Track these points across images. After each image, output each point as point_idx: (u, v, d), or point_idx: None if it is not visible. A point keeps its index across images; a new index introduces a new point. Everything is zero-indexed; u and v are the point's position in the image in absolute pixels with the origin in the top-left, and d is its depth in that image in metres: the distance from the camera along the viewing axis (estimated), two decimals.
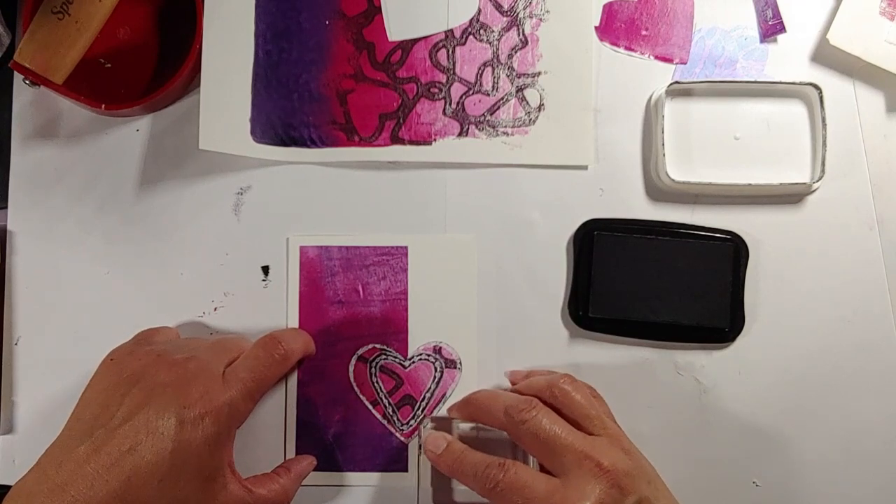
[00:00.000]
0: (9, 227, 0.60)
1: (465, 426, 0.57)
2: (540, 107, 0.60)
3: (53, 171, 0.61)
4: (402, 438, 0.58)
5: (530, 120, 0.60)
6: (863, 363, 0.58)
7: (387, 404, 0.59)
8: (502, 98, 0.60)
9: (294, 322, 0.59)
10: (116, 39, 0.61)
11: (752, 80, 0.60)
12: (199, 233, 0.60)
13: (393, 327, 0.59)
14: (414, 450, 0.58)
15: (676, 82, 0.59)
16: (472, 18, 0.61)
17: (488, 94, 0.60)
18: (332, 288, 0.59)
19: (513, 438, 0.51)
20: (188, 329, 0.59)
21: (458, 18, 0.61)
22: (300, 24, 0.61)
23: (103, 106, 0.58)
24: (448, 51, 0.61)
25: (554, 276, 0.60)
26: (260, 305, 0.60)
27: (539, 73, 0.60)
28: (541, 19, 0.61)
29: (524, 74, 0.61)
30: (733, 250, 0.58)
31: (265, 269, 0.60)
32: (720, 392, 0.59)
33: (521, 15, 0.61)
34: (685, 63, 0.61)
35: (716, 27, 0.61)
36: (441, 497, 0.57)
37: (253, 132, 0.60)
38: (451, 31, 0.61)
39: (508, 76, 0.61)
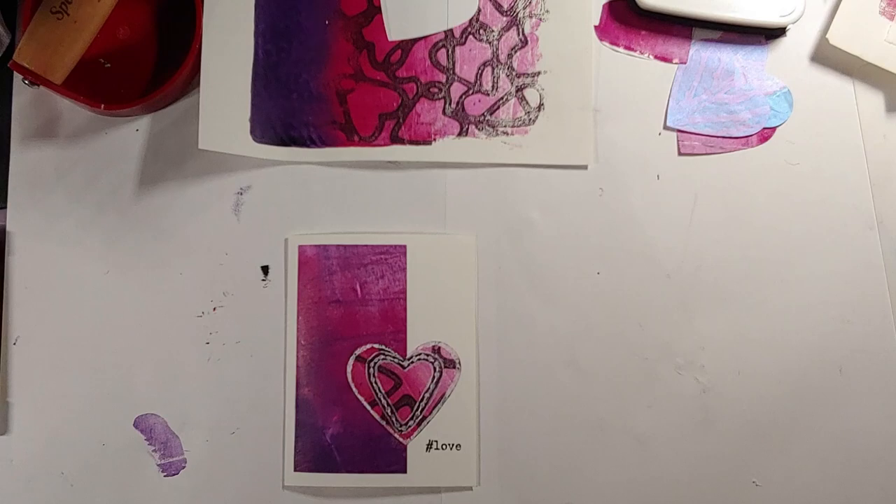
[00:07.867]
0: (8, 228, 0.60)
1: None
2: (540, 106, 0.60)
3: (53, 171, 0.61)
4: (401, 439, 0.58)
5: (530, 120, 0.60)
6: (863, 363, 0.58)
7: (385, 405, 0.58)
8: (502, 98, 0.60)
9: (292, 321, 0.59)
10: (116, 39, 0.61)
11: None
12: (198, 233, 0.60)
13: (391, 327, 0.59)
14: (414, 450, 0.58)
15: None
16: (472, 18, 0.61)
17: (488, 94, 0.60)
18: (330, 287, 0.59)
19: None
20: (188, 329, 0.59)
21: (458, 18, 0.61)
22: (300, 24, 0.61)
23: (103, 106, 0.58)
24: (448, 51, 0.61)
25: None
26: (259, 305, 0.59)
27: (539, 73, 0.60)
28: (541, 19, 0.61)
29: (524, 74, 0.61)
30: None
31: (265, 269, 0.60)
32: (720, 392, 0.58)
33: (520, 15, 0.61)
34: (685, 63, 0.61)
35: None
36: None
37: (253, 132, 0.60)
38: (451, 30, 0.61)
39: (508, 76, 0.61)
